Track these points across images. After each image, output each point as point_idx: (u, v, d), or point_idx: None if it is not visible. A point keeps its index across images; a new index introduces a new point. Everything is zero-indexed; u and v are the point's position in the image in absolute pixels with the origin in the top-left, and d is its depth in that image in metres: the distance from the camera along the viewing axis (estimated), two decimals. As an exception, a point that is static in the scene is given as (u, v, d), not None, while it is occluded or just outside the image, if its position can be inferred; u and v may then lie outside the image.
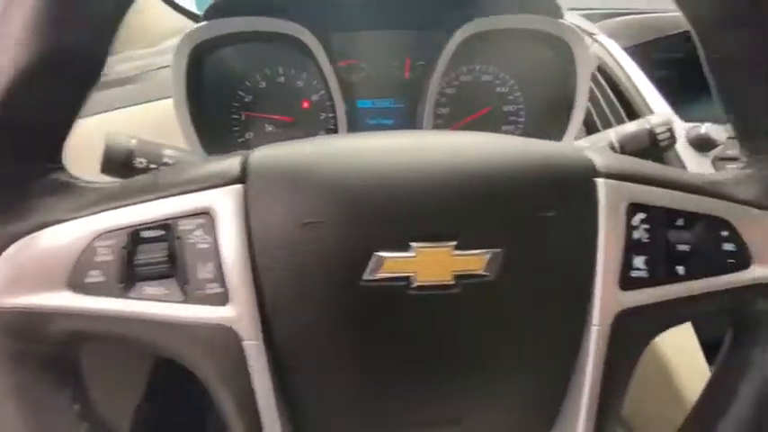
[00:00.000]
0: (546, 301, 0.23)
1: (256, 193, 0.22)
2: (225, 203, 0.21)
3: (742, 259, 0.24)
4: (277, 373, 0.21)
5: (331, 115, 0.53)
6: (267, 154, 0.23)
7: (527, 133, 0.58)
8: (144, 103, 0.50)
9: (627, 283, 0.23)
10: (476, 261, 0.21)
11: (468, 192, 0.22)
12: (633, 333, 0.24)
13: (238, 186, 0.22)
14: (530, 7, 0.45)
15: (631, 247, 0.23)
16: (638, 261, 0.23)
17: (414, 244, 0.21)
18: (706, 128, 0.47)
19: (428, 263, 0.21)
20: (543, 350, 0.24)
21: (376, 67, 0.55)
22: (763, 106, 0.24)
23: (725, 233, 0.24)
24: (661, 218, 0.24)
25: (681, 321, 0.26)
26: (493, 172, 0.22)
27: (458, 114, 0.57)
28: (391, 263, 0.21)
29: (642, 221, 0.23)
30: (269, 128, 0.54)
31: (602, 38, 0.57)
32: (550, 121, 0.53)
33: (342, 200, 0.21)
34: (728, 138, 0.48)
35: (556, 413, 0.24)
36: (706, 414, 0.27)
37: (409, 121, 0.57)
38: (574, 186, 0.23)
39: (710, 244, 0.24)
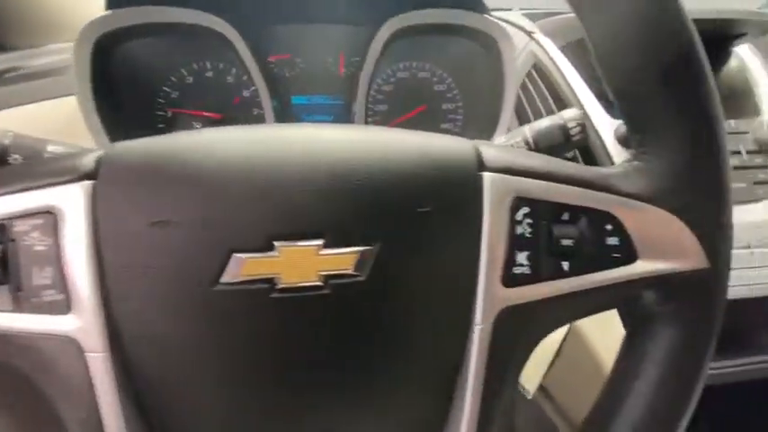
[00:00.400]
0: (426, 300, 0.22)
1: (106, 191, 0.20)
2: (71, 201, 0.20)
3: (627, 253, 0.23)
4: (127, 389, 0.20)
5: (263, 112, 0.51)
6: (124, 148, 0.21)
7: (466, 131, 0.58)
8: (57, 98, 0.47)
9: (510, 279, 0.22)
10: (344, 260, 0.20)
11: (337, 186, 0.21)
12: (518, 331, 0.23)
13: (88, 183, 0.20)
14: (453, 3, 0.45)
15: (514, 243, 0.22)
16: (522, 257, 0.23)
17: (277, 243, 0.20)
18: (631, 125, 0.48)
19: (293, 263, 0.20)
20: (425, 352, 0.23)
21: (310, 63, 0.54)
22: (648, 98, 0.24)
23: (609, 227, 0.23)
24: (545, 212, 0.23)
25: (571, 318, 0.26)
26: (365, 166, 0.21)
27: (394, 111, 0.56)
28: (252, 264, 0.20)
29: (526, 216, 0.23)
30: (197, 125, 0.52)
31: (540, 36, 0.57)
32: (486, 119, 0.52)
33: (195, 196, 0.20)
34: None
35: (444, 419, 0.23)
36: (603, 412, 0.26)
37: (347, 117, 0.56)
38: (457, 180, 0.22)
39: (595, 238, 0.23)
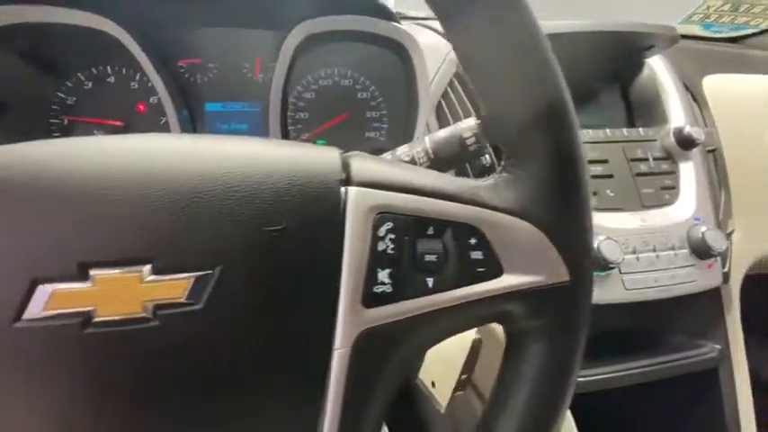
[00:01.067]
0: (278, 326, 0.20)
1: None
2: None
3: (492, 267, 0.23)
4: None
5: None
6: None
7: (390, 139, 0.58)
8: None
9: (371, 299, 0.21)
10: (175, 288, 0.18)
11: (169, 204, 0.19)
12: (382, 353, 0.22)
13: None
14: (362, 9, 0.44)
15: (376, 260, 0.21)
16: (383, 275, 0.22)
17: (93, 271, 0.18)
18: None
19: (113, 293, 0.18)
20: (280, 383, 0.21)
21: (224, 68, 0.51)
22: (513, 115, 0.23)
23: (473, 241, 0.23)
24: (410, 227, 0.22)
25: (443, 335, 0.25)
26: (206, 181, 0.19)
27: (316, 119, 0.55)
28: (61, 296, 0.17)
29: (389, 231, 0.22)
30: (98, 133, 0.49)
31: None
32: (409, 127, 0.52)
33: None
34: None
35: None
36: (486, 427, 0.26)
37: (264, 125, 0.54)
38: (317, 195, 0.21)
39: (459, 253, 0.23)
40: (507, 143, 0.24)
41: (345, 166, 0.22)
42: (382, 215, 0.22)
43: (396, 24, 0.45)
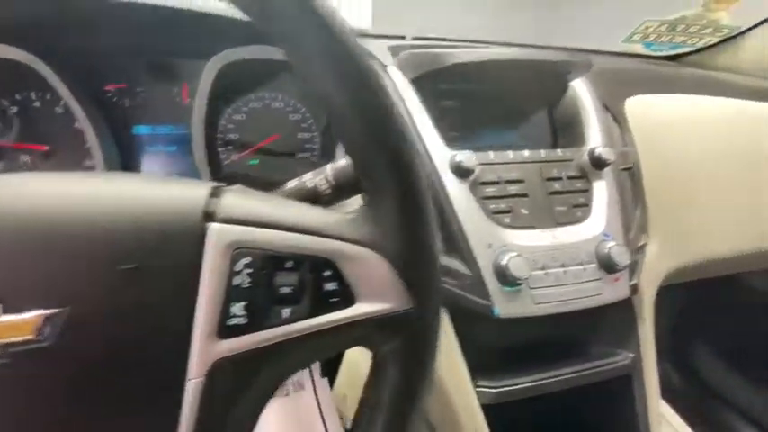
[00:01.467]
0: (133, 360, 0.22)
1: None
2: None
3: (346, 297, 0.25)
4: None
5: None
6: None
7: (323, 160, 0.60)
8: None
9: (225, 331, 0.23)
10: (23, 326, 0.20)
11: (21, 246, 0.20)
12: (239, 382, 0.23)
13: None
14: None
15: (231, 294, 0.23)
16: (237, 308, 0.23)
17: None
18: (460, 156, 0.51)
19: None
20: (138, 414, 0.22)
21: (152, 92, 0.53)
22: (366, 153, 0.25)
23: (328, 273, 0.25)
24: (267, 261, 0.24)
25: (303, 363, 0.26)
26: (56, 219, 0.21)
27: (247, 141, 0.56)
28: None
29: (247, 266, 0.23)
30: (24, 158, 0.49)
31: (392, 69, 0.60)
32: (333, 149, 0.54)
33: None
34: (481, 164, 0.53)
35: None
36: None
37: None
38: (176, 233, 0.23)
39: (315, 285, 0.24)
40: (364, 179, 0.26)
41: (212, 202, 0.24)
42: (240, 250, 0.23)
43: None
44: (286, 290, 0.24)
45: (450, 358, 0.51)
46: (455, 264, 0.50)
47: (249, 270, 0.23)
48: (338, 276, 0.25)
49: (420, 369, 0.26)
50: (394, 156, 0.25)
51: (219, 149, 0.55)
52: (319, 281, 0.25)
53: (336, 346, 0.27)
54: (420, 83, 0.59)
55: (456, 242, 0.50)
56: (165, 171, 0.55)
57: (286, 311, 0.24)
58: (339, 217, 0.26)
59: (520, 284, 0.49)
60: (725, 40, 1.11)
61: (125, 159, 0.52)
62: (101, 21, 0.44)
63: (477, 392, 0.51)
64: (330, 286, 0.25)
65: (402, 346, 0.26)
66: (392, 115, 0.25)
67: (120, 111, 0.52)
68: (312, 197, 0.34)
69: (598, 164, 0.57)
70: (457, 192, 0.51)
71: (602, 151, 0.56)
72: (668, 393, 1.09)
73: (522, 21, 1.15)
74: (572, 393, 0.55)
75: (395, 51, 0.64)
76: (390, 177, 0.25)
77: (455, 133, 0.63)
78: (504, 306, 0.49)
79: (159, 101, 0.53)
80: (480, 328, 0.52)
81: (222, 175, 0.52)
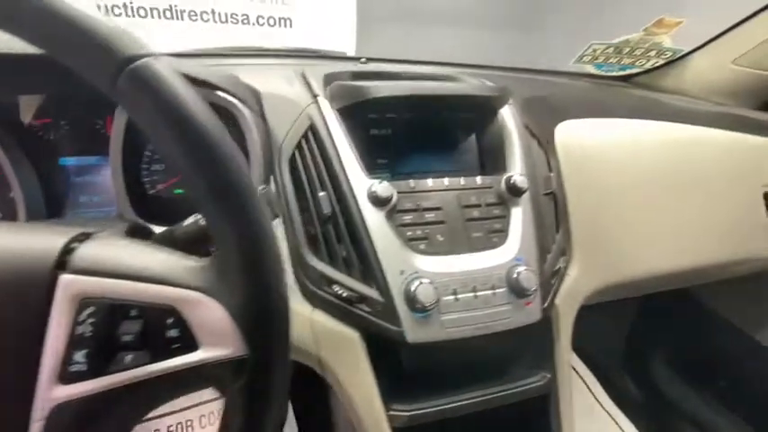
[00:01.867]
0: None
1: None
2: None
3: (187, 343, 0.26)
4: None
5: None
6: None
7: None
8: None
9: (67, 377, 0.24)
10: None
11: None
12: (77, 426, 0.25)
13: None
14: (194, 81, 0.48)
15: (74, 343, 0.25)
16: (79, 355, 0.25)
17: None
18: (376, 186, 0.53)
19: None
20: None
21: (76, 125, 0.54)
22: (207, 205, 0.27)
23: (170, 320, 0.26)
24: (111, 310, 0.25)
25: (152, 405, 0.28)
26: None
27: (172, 171, 0.58)
28: None
29: (90, 315, 0.25)
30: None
31: (321, 99, 0.62)
32: (261, 180, 0.56)
33: None
34: (400, 192, 0.55)
35: None
36: None
37: (121, 177, 0.57)
38: (24, 284, 0.24)
39: (157, 331, 0.26)
40: (211, 231, 0.28)
41: (66, 252, 0.26)
42: (87, 300, 0.25)
43: (219, 93, 0.49)
44: (128, 337, 0.25)
45: (363, 383, 0.52)
46: (370, 291, 0.52)
47: (92, 320, 0.25)
48: (181, 323, 0.26)
49: (265, 407, 0.28)
50: (236, 212, 0.26)
51: (144, 180, 0.56)
52: (162, 328, 0.26)
53: (184, 388, 0.28)
54: (350, 112, 0.61)
55: (371, 270, 0.52)
56: (93, 201, 0.56)
57: (128, 358, 0.25)
58: (189, 265, 0.28)
59: (429, 310, 0.50)
60: (670, 62, 1.15)
61: (53, 190, 0.54)
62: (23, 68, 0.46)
63: (391, 416, 0.52)
64: (173, 333, 0.26)
65: (246, 386, 0.27)
66: (233, 170, 0.26)
67: (47, 144, 0.53)
68: (203, 236, 0.36)
69: (514, 191, 0.59)
70: (374, 220, 0.53)
71: (518, 179, 0.59)
72: (627, 405, 1.12)
73: (498, 42, 1.22)
74: (488, 415, 0.56)
75: (328, 81, 0.66)
76: (232, 231, 0.27)
77: (383, 161, 0.65)
78: (415, 332, 0.51)
79: (83, 133, 0.54)
80: (395, 353, 0.54)
81: (146, 206, 0.53)
